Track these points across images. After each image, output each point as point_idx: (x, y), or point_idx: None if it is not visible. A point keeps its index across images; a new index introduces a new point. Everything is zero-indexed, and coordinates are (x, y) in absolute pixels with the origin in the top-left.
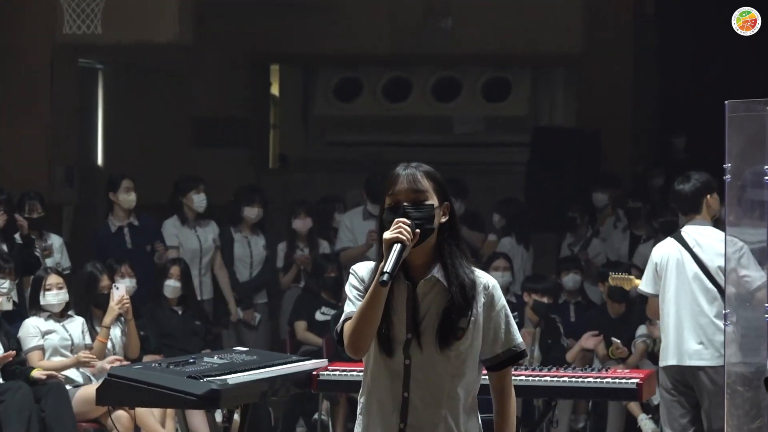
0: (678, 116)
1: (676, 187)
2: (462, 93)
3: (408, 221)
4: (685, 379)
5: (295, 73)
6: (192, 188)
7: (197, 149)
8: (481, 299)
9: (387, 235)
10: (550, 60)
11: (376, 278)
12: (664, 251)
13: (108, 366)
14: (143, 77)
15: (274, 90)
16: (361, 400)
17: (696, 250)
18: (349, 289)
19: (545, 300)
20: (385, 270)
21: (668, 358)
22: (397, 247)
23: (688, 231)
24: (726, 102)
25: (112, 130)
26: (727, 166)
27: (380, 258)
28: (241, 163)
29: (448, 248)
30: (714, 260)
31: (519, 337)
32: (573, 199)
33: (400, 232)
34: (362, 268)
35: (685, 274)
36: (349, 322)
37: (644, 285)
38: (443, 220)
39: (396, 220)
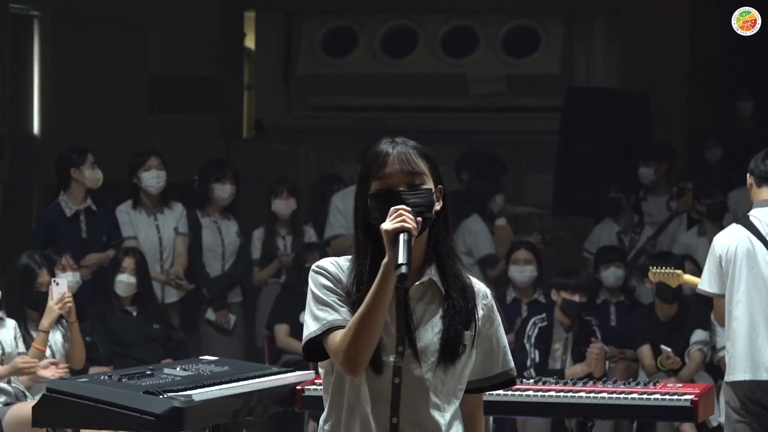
0: (745, 75)
1: (765, 157)
2: (479, 46)
3: (408, 208)
4: (758, 397)
5: (274, 21)
6: (140, 164)
7: (155, 115)
8: (479, 310)
9: (388, 225)
10: (587, 5)
11: (380, 274)
12: (730, 240)
13: (45, 373)
14: (89, 27)
15: (249, 43)
16: (325, 427)
17: None
18: (322, 293)
19: (577, 298)
20: (401, 262)
21: (739, 371)
22: (403, 237)
23: (758, 215)
24: None
25: (51, 92)
26: None
27: (359, 253)
28: (209, 132)
29: (443, 244)
30: None
31: (512, 362)
32: (616, 176)
33: (404, 221)
34: (331, 266)
35: (757, 267)
36: (341, 333)
37: (705, 283)
38: (437, 207)
39: (394, 207)
